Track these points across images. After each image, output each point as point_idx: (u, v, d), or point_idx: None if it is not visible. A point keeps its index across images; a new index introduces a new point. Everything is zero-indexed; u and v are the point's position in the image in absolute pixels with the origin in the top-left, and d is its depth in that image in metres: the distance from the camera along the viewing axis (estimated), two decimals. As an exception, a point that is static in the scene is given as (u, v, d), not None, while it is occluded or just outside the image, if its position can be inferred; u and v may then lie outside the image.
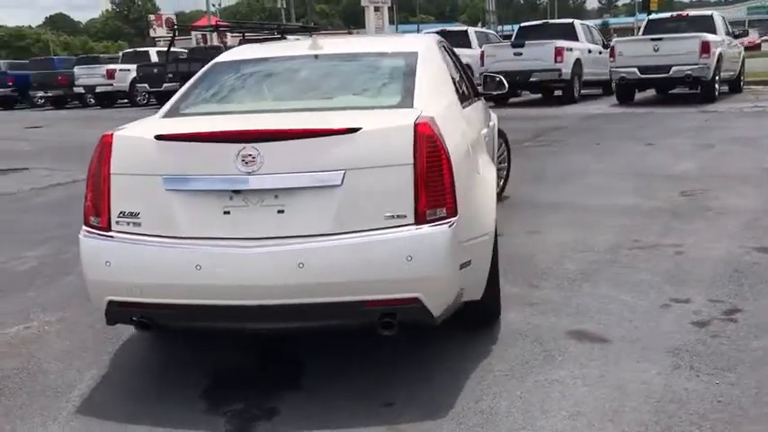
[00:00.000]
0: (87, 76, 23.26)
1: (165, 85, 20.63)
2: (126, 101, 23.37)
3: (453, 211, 2.82)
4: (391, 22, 61.17)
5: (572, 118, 13.07)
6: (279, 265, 2.73)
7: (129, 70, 22.54)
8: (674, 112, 12.98)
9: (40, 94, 25.50)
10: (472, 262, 3.06)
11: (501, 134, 6.34)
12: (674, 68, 13.81)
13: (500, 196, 6.36)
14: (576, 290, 4.06)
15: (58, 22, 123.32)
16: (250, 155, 2.75)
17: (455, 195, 2.84)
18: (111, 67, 23.13)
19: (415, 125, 2.80)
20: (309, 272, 2.72)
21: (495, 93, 5.38)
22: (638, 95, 15.74)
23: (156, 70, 20.83)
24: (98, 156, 2.97)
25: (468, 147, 3.25)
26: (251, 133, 2.80)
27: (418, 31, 32.46)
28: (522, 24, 18.36)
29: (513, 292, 4.07)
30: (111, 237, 2.93)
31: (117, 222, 2.93)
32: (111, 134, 3.00)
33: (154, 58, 23.38)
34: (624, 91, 15.07)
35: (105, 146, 2.97)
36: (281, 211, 2.78)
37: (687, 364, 3.08)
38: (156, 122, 3.27)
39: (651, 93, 16.39)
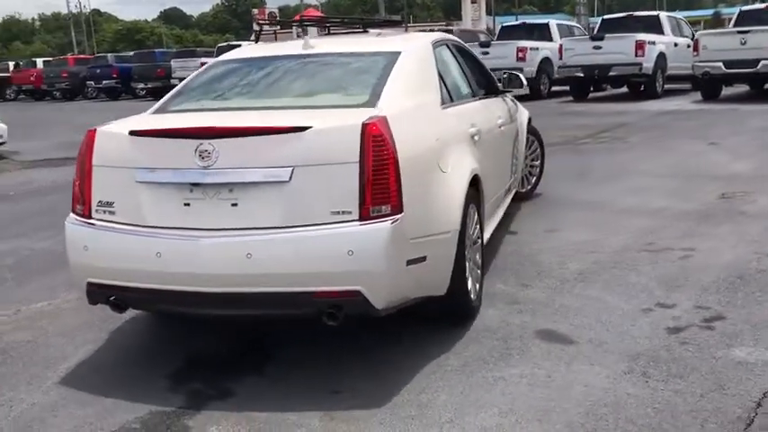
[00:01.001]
0: (182, 68, 24.29)
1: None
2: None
3: (398, 209, 2.91)
4: (489, 12, 60.54)
5: (644, 114, 12.65)
6: (228, 255, 2.91)
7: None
8: (759, 110, 12.33)
9: (141, 85, 26.92)
10: (428, 258, 3.14)
11: (534, 132, 6.31)
12: (762, 63, 13.11)
13: (531, 193, 6.36)
14: (566, 290, 4.04)
15: (171, 16, 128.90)
16: (206, 150, 2.94)
17: (401, 194, 2.92)
18: (204, 60, 24.04)
19: (364, 125, 2.90)
20: (256, 263, 2.88)
21: (514, 90, 5.36)
22: (728, 91, 15.01)
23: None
24: (83, 149, 3.24)
25: (432, 146, 3.31)
26: (207, 130, 2.99)
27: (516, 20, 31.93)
28: (605, 17, 17.86)
29: (502, 290, 4.11)
30: (92, 224, 3.19)
31: (96, 211, 3.19)
32: (95, 130, 3.26)
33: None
34: (708, 86, 14.41)
35: (89, 140, 3.23)
36: (234, 205, 2.96)
37: (641, 370, 3.05)
38: (141, 118, 3.52)
39: (743, 88, 15.58)
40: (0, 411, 3.03)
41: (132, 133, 3.13)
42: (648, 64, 14.95)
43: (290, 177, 2.90)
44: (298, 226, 2.89)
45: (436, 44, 4.18)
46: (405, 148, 3.01)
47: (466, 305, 3.59)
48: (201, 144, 2.95)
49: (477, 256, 3.90)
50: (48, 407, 3.04)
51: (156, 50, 33.83)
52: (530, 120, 6.28)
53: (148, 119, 3.48)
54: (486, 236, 4.31)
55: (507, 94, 5.59)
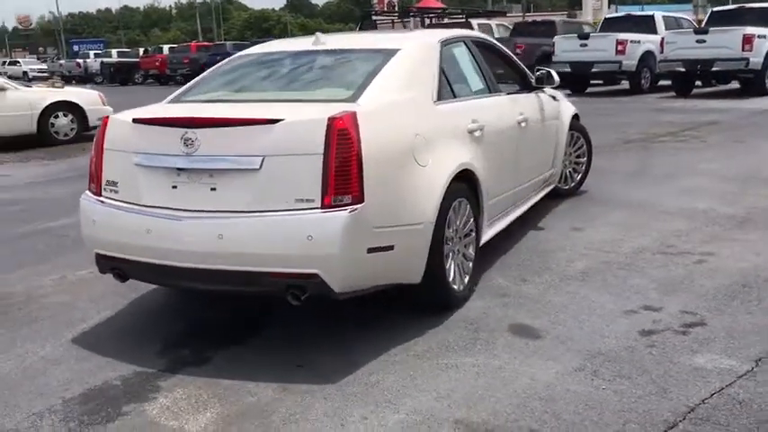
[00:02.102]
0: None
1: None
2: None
3: (359, 199, 3.09)
4: (612, 2, 58.35)
5: (742, 113, 12.02)
6: (203, 234, 3.19)
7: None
8: None
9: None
10: (396, 247, 3.31)
11: (579, 129, 6.26)
12: None
13: (576, 190, 6.32)
14: (560, 288, 4.08)
15: (298, 5, 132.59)
16: (190, 139, 3.23)
17: (362, 185, 3.10)
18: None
19: (330, 119, 3.09)
20: (227, 242, 3.15)
21: (545, 86, 5.38)
22: None
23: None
24: (99, 134, 3.62)
25: (409, 140, 3.44)
26: (191, 120, 3.28)
27: (642, 9, 30.64)
28: (715, 9, 16.97)
29: (499, 284, 4.19)
30: (101, 201, 3.57)
31: (104, 189, 3.56)
32: (108, 117, 3.63)
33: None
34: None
35: (103, 126, 3.61)
36: (213, 189, 3.24)
37: (593, 368, 3.09)
38: (153, 107, 3.86)
39: None
40: (15, 361, 3.47)
41: (134, 121, 3.47)
42: (757, 59, 14.13)
43: (261, 166, 3.14)
44: (265, 211, 3.13)
45: (446, 42, 4.30)
46: (372, 142, 3.18)
47: (445, 295, 3.72)
48: (186, 133, 3.24)
49: (471, 249, 4.01)
50: (53, 360, 3.45)
51: (268, 39, 34.98)
52: (576, 116, 6.24)
53: (158, 108, 3.82)
54: (493, 231, 4.41)
55: (545, 90, 5.62)
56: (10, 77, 40.37)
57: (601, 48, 16.23)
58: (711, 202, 5.83)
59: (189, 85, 4.16)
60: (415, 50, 4.03)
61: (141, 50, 39.51)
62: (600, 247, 4.79)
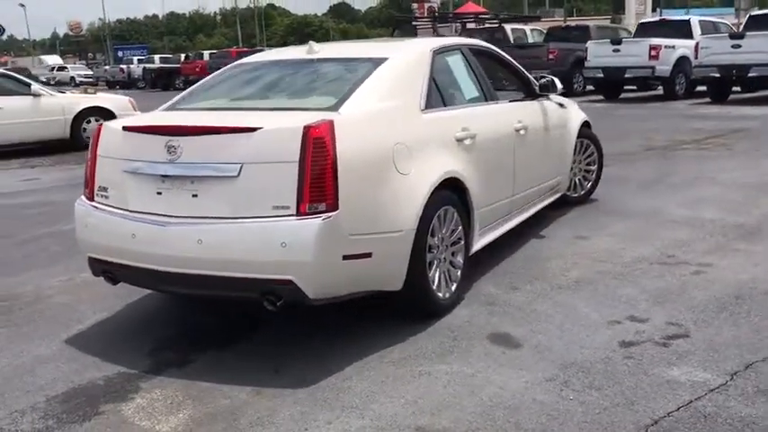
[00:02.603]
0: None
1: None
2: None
3: (333, 207, 3.14)
4: (655, 7, 57.46)
5: (774, 120, 11.76)
6: (183, 240, 3.28)
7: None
8: None
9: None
10: (374, 254, 3.35)
11: (590, 136, 6.22)
12: None
13: (586, 198, 6.27)
14: (549, 297, 4.06)
15: (340, 11, 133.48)
16: (173, 146, 3.32)
17: (336, 193, 3.15)
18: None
19: (305, 128, 3.15)
20: (205, 248, 3.23)
21: (549, 93, 5.37)
22: None
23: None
24: (93, 140, 3.74)
25: (390, 149, 3.46)
26: (173, 128, 3.37)
27: (687, 13, 30.06)
28: (753, 13, 16.61)
29: (489, 292, 4.20)
30: (93, 206, 3.68)
31: (96, 194, 3.68)
32: (102, 124, 3.74)
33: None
34: None
35: (97, 133, 3.72)
36: (194, 195, 3.32)
37: (564, 379, 3.08)
38: (146, 115, 3.97)
39: None
40: (9, 359, 3.59)
41: (124, 129, 3.58)
42: (795, 65, 13.80)
43: (239, 173, 3.21)
44: (243, 217, 3.20)
45: (439, 51, 4.32)
46: (349, 150, 3.23)
47: (428, 302, 3.74)
48: (170, 140, 3.33)
49: (459, 257, 4.02)
50: (43, 359, 3.57)
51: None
52: (586, 124, 6.20)
53: (150, 115, 3.93)
54: (486, 239, 4.42)
55: (551, 98, 5.60)
56: (58, 83, 41.55)
57: (634, 53, 16.03)
58: (722, 212, 5.73)
59: (185, 92, 4.27)
60: (403, 59, 4.07)
61: (182, 56, 40.20)
62: (598, 257, 4.75)
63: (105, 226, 3.57)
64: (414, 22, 30.77)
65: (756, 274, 4.26)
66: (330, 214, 3.13)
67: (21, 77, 11.89)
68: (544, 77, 5.39)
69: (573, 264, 4.64)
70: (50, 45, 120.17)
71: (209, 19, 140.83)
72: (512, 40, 20.90)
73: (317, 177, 3.13)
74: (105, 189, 3.63)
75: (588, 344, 3.42)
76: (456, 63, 4.49)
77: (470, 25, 24.41)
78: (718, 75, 14.67)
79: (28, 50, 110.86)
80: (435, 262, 3.79)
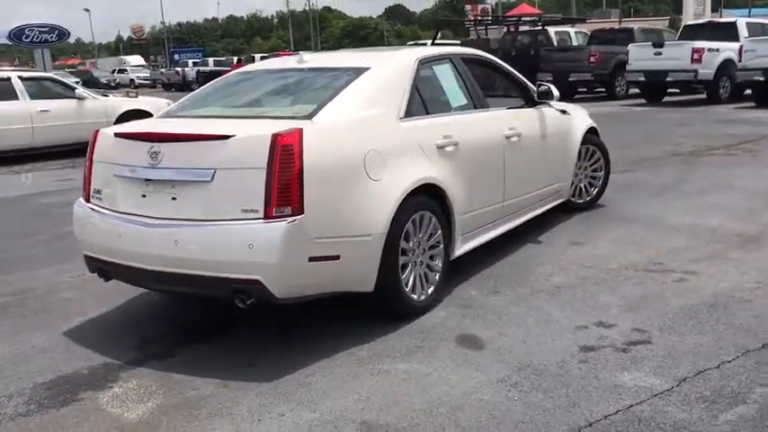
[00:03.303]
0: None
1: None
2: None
3: (298, 211, 3.31)
4: (717, 7, 55.95)
5: (815, 125, 11.45)
6: (162, 240, 3.49)
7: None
8: None
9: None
10: (342, 257, 3.51)
11: (595, 143, 6.25)
12: None
13: (592, 204, 6.30)
14: (526, 301, 4.15)
15: (395, 13, 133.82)
16: (155, 152, 3.54)
17: (302, 198, 3.31)
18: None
19: (274, 136, 3.33)
20: (181, 248, 3.44)
21: (547, 101, 5.44)
22: None
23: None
24: (90, 145, 4.00)
25: (362, 155, 3.61)
26: (155, 135, 3.60)
27: (749, 14, 29.33)
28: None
29: (469, 295, 4.31)
30: (89, 207, 3.94)
31: (92, 196, 3.93)
32: (98, 131, 4.00)
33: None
34: None
35: (93, 138, 3.98)
36: (174, 198, 3.53)
37: (515, 380, 3.18)
38: (143, 122, 4.21)
39: None
40: (10, 348, 3.87)
41: (115, 135, 3.82)
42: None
43: (212, 178, 3.41)
44: (215, 220, 3.40)
45: (425, 60, 4.45)
46: (317, 157, 3.39)
47: (401, 304, 3.87)
48: (153, 147, 3.56)
49: (437, 261, 4.14)
50: (40, 349, 3.84)
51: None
52: (592, 130, 6.23)
53: (144, 122, 4.17)
54: (471, 244, 4.53)
55: (552, 105, 5.66)
56: (118, 84, 42.75)
57: (675, 56, 15.77)
58: (727, 220, 5.70)
59: (183, 100, 4.50)
60: (385, 69, 4.21)
61: (235, 59, 41.08)
62: (587, 263, 4.80)
63: (98, 226, 3.82)
64: (465, 25, 30.65)
65: (739, 282, 4.26)
66: (296, 218, 3.30)
67: (67, 81, 12.44)
68: (542, 85, 5.46)
69: (560, 269, 4.70)
70: (115, 48, 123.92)
71: (267, 22, 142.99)
72: (555, 42, 20.77)
73: (284, 183, 3.30)
74: (99, 191, 3.88)
75: (549, 347, 3.51)
76: (443, 72, 4.61)
77: (523, 27, 24.34)
78: (762, 78, 14.33)
79: (93, 53, 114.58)
80: (410, 265, 3.92)
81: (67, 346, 3.88)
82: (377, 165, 3.69)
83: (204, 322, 4.16)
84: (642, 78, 16.49)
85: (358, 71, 4.08)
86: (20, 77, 11.71)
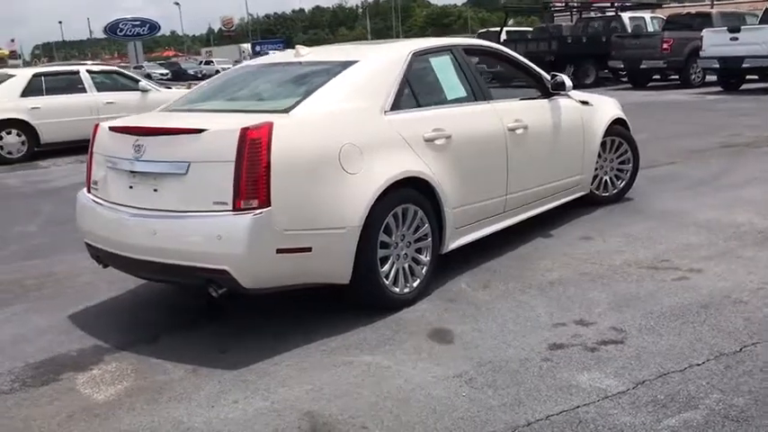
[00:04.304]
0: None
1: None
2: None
3: (265, 204, 3.38)
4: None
5: None
6: (142, 230, 3.64)
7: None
8: None
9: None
10: (314, 249, 3.56)
11: (622, 134, 6.07)
12: None
13: (618, 197, 6.13)
14: (513, 296, 4.10)
15: (480, 0, 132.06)
16: (139, 145, 3.69)
17: (269, 191, 3.38)
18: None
19: (242, 130, 3.41)
20: (158, 238, 3.58)
21: (561, 92, 5.31)
22: None
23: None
24: (91, 138, 4.19)
25: (337, 149, 3.63)
26: (140, 129, 3.74)
27: None
28: None
29: (459, 288, 4.30)
30: (89, 197, 4.13)
31: (91, 187, 4.13)
32: (98, 124, 4.19)
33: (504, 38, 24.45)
34: None
35: (94, 132, 4.17)
36: (155, 190, 3.67)
37: (471, 376, 3.16)
38: (139, 116, 4.37)
39: None
40: (16, 329, 4.12)
41: (110, 129, 3.99)
42: None
43: (187, 171, 3.52)
44: (189, 211, 3.51)
45: (420, 53, 4.44)
46: (287, 151, 3.46)
47: (380, 296, 3.89)
48: (137, 140, 3.70)
49: (425, 255, 4.14)
50: (42, 330, 4.07)
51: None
52: (619, 121, 6.05)
53: (141, 116, 4.33)
54: (468, 238, 4.50)
55: (571, 96, 5.54)
56: (204, 75, 44.10)
57: (753, 41, 14.96)
58: (755, 216, 5.42)
59: (188, 93, 4.65)
60: (373, 63, 4.22)
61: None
62: (590, 259, 4.68)
63: (94, 215, 4.01)
64: (552, 9, 29.80)
65: (742, 282, 4.07)
66: (262, 210, 3.37)
67: (131, 74, 12.96)
68: (556, 76, 5.33)
69: (561, 264, 4.61)
70: (206, 40, 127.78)
71: (352, 12, 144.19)
72: (629, 29, 20.09)
73: (251, 176, 3.38)
74: (96, 183, 4.07)
75: (518, 344, 3.46)
76: (441, 64, 4.58)
77: (579, 14, 23.65)
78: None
79: (187, 45, 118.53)
80: (392, 258, 3.94)
81: (67, 329, 4.10)
82: (353, 158, 3.71)
83: (198, 310, 4.29)
84: (716, 65, 15.75)
85: (345, 65, 4.12)
86: (88, 71, 12.30)
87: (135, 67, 35.84)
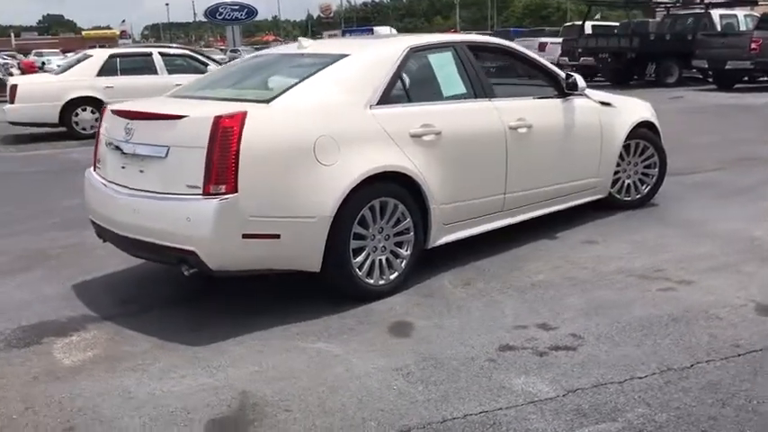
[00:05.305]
0: (524, 47, 24.97)
1: (582, 59, 21.24)
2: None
3: (233, 190, 3.52)
4: None
5: None
6: (126, 208, 3.86)
7: (559, 44, 23.53)
8: None
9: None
10: (283, 236, 3.69)
11: (647, 137, 5.90)
12: None
13: (643, 202, 5.97)
14: (490, 296, 4.10)
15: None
16: (129, 128, 3.90)
17: (236, 177, 3.52)
18: (544, 40, 24.46)
19: (216, 118, 3.55)
20: (138, 216, 3.79)
21: (574, 92, 5.22)
22: None
23: (574, 45, 21.46)
24: (99, 119, 4.45)
25: (312, 140, 3.73)
26: (131, 113, 3.95)
27: None
28: None
29: (440, 284, 4.33)
30: (94, 176, 4.39)
31: (96, 166, 4.39)
32: (105, 107, 4.43)
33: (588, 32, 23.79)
34: None
35: (101, 114, 4.42)
36: (141, 171, 3.87)
37: (410, 370, 3.21)
38: (149, 100, 4.59)
39: None
40: (24, 294, 4.43)
41: (111, 111, 4.23)
42: None
43: (166, 155, 3.70)
44: (166, 193, 3.70)
45: (418, 49, 4.47)
46: (258, 140, 3.59)
47: (352, 287, 3.97)
48: (128, 123, 3.92)
49: (405, 249, 4.19)
50: (44, 298, 4.35)
51: (513, 29, 35.05)
52: (646, 124, 5.89)
53: (141, 101, 4.54)
54: (457, 235, 4.52)
55: (590, 96, 5.44)
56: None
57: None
58: (771, 229, 5.19)
59: (194, 81, 4.86)
60: (364, 57, 4.29)
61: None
62: (584, 264, 4.60)
63: (94, 192, 4.26)
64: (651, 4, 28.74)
65: (728, 297, 3.92)
66: (228, 196, 3.52)
67: (200, 57, 13.42)
68: (570, 76, 5.23)
69: (552, 267, 4.55)
70: (305, 26, 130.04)
71: (448, 1, 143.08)
72: (718, 27, 19.20)
73: (221, 162, 3.53)
74: (99, 161, 4.32)
75: (471, 343, 3.48)
76: (440, 60, 4.58)
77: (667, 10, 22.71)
78: None
79: (287, 31, 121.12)
80: (367, 250, 4.01)
81: (68, 296, 4.38)
82: (329, 150, 3.79)
83: (194, 287, 4.48)
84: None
85: (336, 58, 4.20)
86: (160, 53, 12.83)
87: (231, 51, 36.84)
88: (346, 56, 4.21)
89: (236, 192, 3.53)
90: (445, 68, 4.60)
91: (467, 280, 4.38)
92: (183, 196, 3.62)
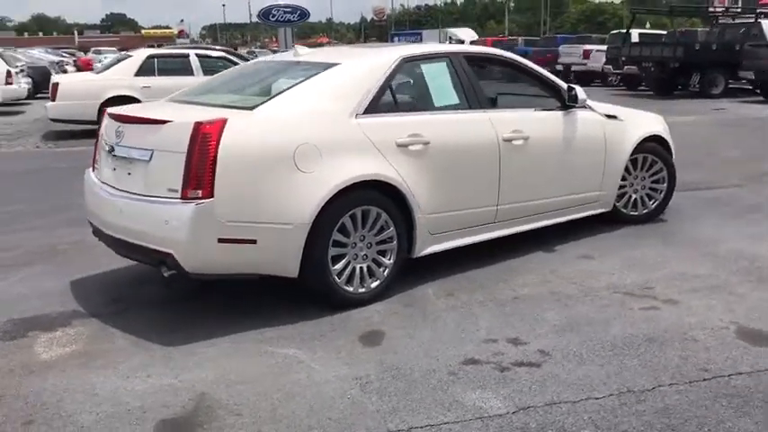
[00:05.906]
0: (568, 54, 24.71)
1: (626, 67, 20.91)
2: (599, 81, 24.05)
3: (209, 195, 3.60)
4: None
5: None
6: (113, 209, 3.97)
7: (604, 51, 23.18)
8: None
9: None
10: (259, 242, 3.75)
11: (655, 152, 5.80)
12: None
13: (650, 217, 5.88)
14: (470, 308, 4.09)
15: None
16: (120, 131, 4.02)
17: (212, 183, 3.60)
18: (588, 47, 24.12)
19: (196, 124, 3.64)
20: (122, 217, 3.90)
21: (575, 104, 5.15)
22: None
23: (618, 53, 21.12)
24: (101, 123, 4.59)
25: (292, 148, 3.77)
26: (121, 117, 4.06)
27: None
28: None
29: (423, 294, 4.34)
30: (92, 176, 4.53)
31: (94, 167, 4.52)
32: (105, 110, 4.57)
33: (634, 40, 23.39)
34: None
35: (103, 117, 4.56)
36: (129, 173, 3.99)
37: (370, 380, 3.24)
38: (145, 104, 4.71)
39: None
40: (22, 289, 4.59)
41: (108, 115, 4.35)
42: None
43: (150, 158, 3.80)
44: (148, 195, 3.80)
45: (411, 59, 4.48)
46: (237, 146, 3.66)
47: (331, 293, 4.01)
48: (119, 127, 4.04)
49: (388, 257, 4.21)
50: (43, 292, 4.48)
51: (560, 36, 34.61)
52: (655, 138, 5.79)
53: (136, 105, 4.66)
54: (445, 245, 4.52)
55: (595, 109, 5.38)
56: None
57: None
58: (780, 251, 5.04)
59: (195, 86, 4.96)
60: (353, 66, 4.32)
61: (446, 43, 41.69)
62: (574, 279, 4.55)
63: (90, 192, 4.39)
64: (709, 13, 28.13)
65: (710, 319, 3.84)
66: (204, 201, 3.59)
67: (233, 59, 13.63)
68: (572, 88, 5.17)
69: (540, 281, 4.52)
70: (359, 29, 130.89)
71: (502, 6, 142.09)
72: (768, 37, 18.65)
73: (198, 168, 3.61)
74: (96, 162, 4.45)
75: (437, 355, 3.48)
76: (434, 71, 4.58)
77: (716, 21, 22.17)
78: None
79: (341, 34, 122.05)
80: (347, 257, 4.04)
81: (63, 292, 4.52)
82: (310, 158, 3.84)
83: (185, 288, 4.56)
84: None
85: (327, 66, 4.25)
86: (197, 55, 13.10)
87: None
88: (337, 65, 4.26)
89: (212, 197, 3.60)
90: (438, 79, 4.60)
91: (451, 290, 4.37)
92: (163, 199, 3.71)
